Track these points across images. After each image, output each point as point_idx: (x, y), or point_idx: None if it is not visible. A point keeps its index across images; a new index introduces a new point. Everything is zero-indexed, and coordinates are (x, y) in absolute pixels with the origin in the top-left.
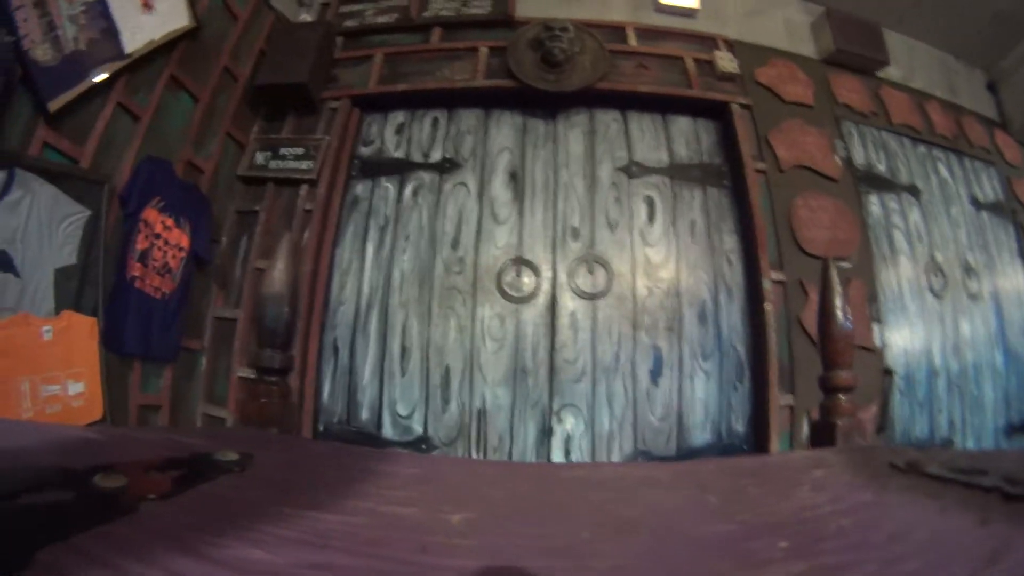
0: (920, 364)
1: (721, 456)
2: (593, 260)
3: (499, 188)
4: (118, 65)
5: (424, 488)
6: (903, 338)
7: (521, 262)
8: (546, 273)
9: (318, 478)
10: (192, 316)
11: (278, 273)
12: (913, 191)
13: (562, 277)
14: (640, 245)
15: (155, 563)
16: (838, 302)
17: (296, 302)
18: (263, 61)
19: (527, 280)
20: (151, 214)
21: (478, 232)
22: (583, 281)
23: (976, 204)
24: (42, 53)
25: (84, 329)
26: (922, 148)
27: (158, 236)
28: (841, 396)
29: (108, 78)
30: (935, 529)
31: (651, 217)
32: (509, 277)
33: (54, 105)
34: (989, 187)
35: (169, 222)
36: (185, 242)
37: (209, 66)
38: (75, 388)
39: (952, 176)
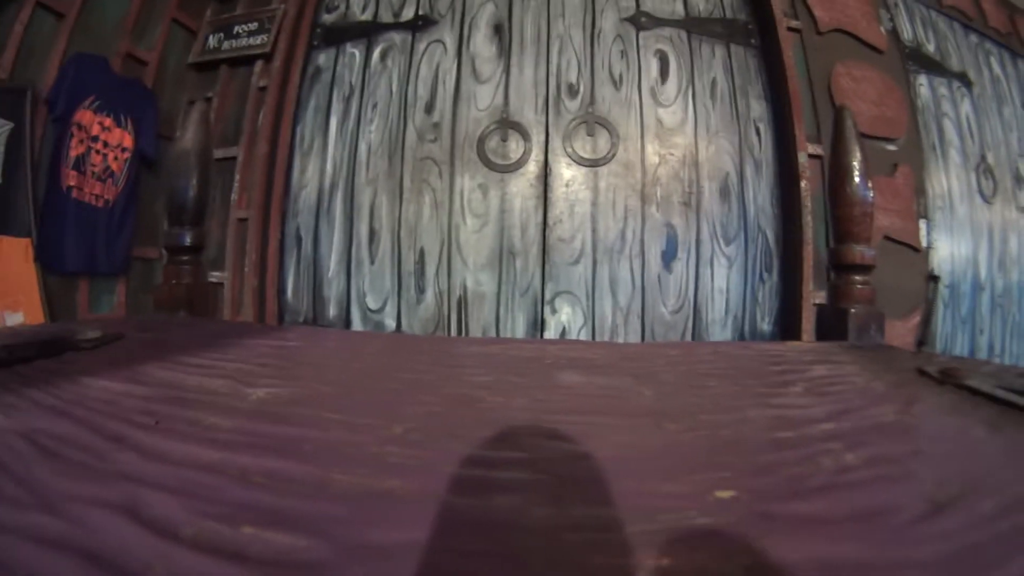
0: (966, 275)
1: None
2: (593, 121)
3: (481, 43)
4: None
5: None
6: (950, 242)
7: (507, 124)
8: (537, 137)
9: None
10: (146, 221)
11: (186, 143)
12: (964, 80)
13: (556, 141)
14: (651, 105)
15: None
16: (856, 162)
17: (207, 174)
18: None
19: (514, 145)
20: (85, 115)
21: (456, 93)
22: (581, 145)
23: None
24: None
25: (17, 253)
26: (973, 37)
27: (95, 138)
28: (856, 277)
29: None
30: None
31: (664, 74)
32: (493, 143)
33: None
34: None
35: (108, 122)
36: (129, 141)
37: None
38: (13, 319)
39: (1005, 74)
